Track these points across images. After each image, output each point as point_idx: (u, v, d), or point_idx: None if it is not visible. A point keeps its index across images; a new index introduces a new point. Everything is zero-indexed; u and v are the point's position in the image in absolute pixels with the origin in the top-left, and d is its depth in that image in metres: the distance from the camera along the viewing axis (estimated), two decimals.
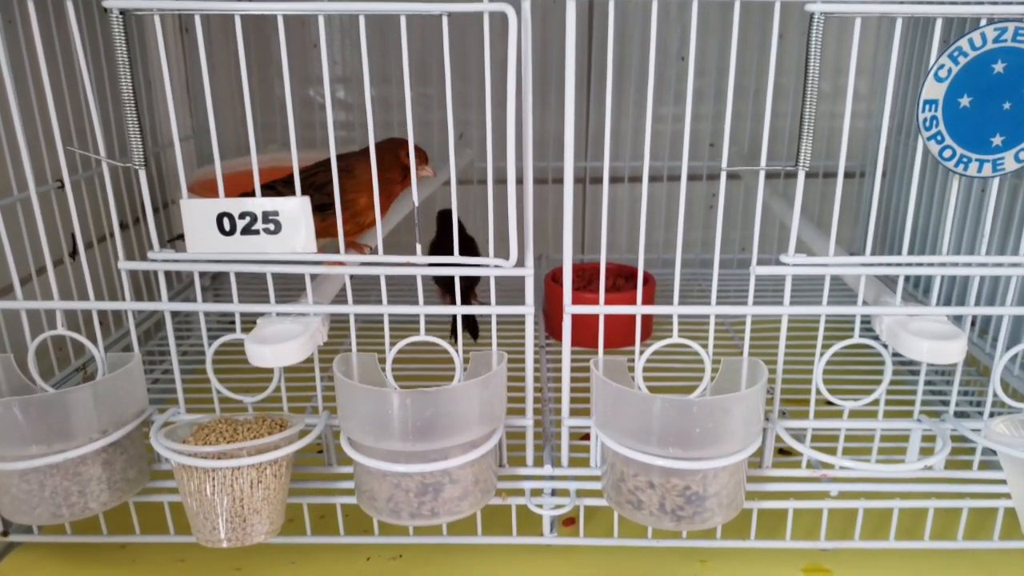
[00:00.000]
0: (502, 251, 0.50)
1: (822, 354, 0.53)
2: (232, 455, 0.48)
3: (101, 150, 0.49)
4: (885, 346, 0.52)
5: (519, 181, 0.50)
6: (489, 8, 0.44)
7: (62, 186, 0.66)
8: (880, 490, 0.56)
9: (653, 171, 0.55)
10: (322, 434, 0.54)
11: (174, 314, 0.55)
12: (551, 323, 0.88)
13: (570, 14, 0.45)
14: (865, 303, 0.53)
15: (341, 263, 0.52)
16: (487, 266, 0.51)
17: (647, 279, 0.85)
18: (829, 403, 0.53)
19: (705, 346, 0.52)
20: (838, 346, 0.52)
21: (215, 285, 0.93)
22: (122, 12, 0.45)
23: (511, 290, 0.52)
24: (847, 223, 0.99)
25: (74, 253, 0.70)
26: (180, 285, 0.88)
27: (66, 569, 0.57)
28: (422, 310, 0.52)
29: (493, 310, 0.52)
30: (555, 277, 0.89)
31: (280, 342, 0.48)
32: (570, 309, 0.52)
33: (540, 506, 0.55)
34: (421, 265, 0.51)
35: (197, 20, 0.46)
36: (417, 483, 0.49)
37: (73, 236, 0.68)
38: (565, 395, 0.55)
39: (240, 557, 0.58)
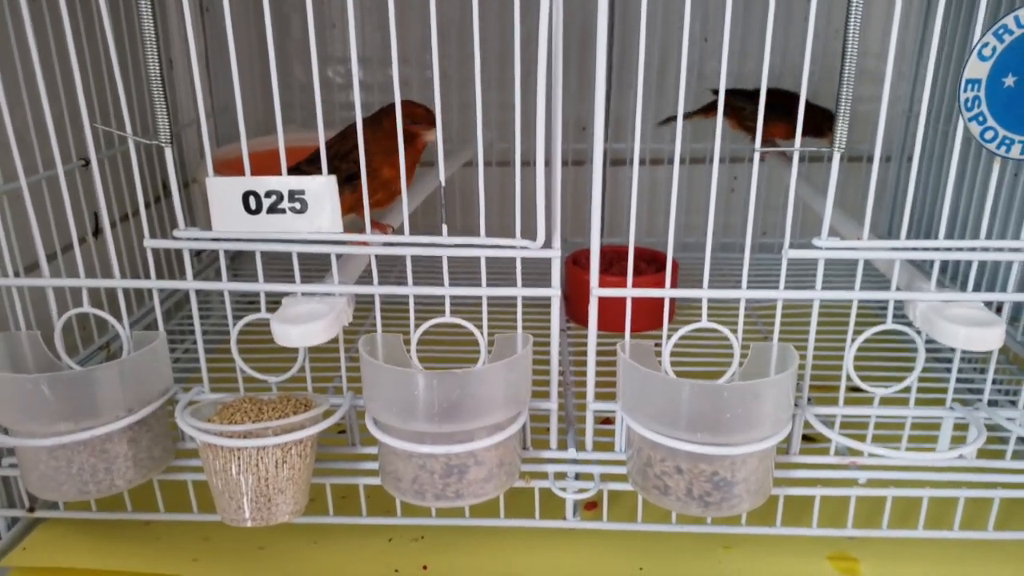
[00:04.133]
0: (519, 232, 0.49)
1: (853, 340, 0.52)
2: (258, 435, 0.48)
3: (128, 128, 0.49)
4: (918, 332, 0.51)
5: (547, 162, 0.49)
6: None
7: (87, 164, 0.66)
8: (909, 478, 0.55)
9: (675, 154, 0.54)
10: (346, 414, 0.54)
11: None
12: (571, 306, 0.87)
13: None
14: (898, 288, 0.52)
15: (367, 243, 0.51)
16: (513, 247, 0.50)
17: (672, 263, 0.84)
18: (857, 389, 0.53)
19: (734, 330, 0.51)
20: (871, 332, 0.51)
21: (234, 264, 0.93)
22: None
23: (529, 272, 0.52)
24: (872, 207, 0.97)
25: (97, 232, 0.70)
26: (200, 264, 0.88)
27: (91, 545, 0.57)
28: (447, 291, 0.52)
29: (519, 291, 0.52)
30: (576, 260, 0.88)
31: (307, 322, 0.48)
32: (597, 292, 0.51)
33: (564, 489, 0.55)
34: (447, 245, 0.50)
35: (225, 1, 0.45)
36: (442, 464, 0.49)
37: (96, 215, 0.69)
38: (590, 379, 0.54)
39: (263, 536, 0.58)
